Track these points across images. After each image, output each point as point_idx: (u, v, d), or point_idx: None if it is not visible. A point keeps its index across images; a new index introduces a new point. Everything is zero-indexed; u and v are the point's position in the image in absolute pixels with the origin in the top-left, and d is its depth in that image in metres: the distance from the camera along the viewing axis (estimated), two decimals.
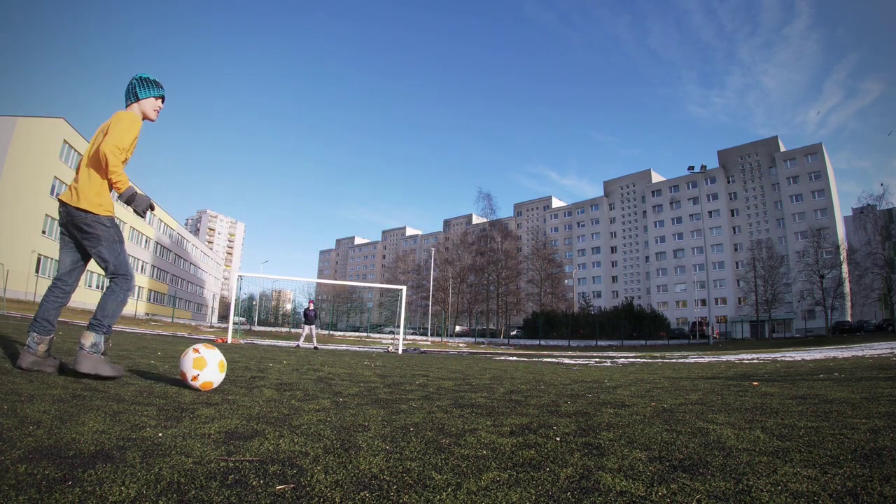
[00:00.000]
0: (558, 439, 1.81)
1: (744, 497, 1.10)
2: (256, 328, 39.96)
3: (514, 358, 12.65)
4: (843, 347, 15.96)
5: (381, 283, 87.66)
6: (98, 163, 2.65)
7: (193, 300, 70.07)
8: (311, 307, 14.90)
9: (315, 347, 13.91)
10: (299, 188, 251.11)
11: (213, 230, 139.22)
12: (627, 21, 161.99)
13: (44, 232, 33.87)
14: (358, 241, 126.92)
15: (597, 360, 11.77)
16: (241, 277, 19.84)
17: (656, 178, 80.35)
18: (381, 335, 41.94)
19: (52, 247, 34.65)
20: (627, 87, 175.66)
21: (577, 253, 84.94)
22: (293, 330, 39.71)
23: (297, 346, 13.88)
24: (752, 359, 10.56)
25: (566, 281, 75.10)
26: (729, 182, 69.72)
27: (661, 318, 52.34)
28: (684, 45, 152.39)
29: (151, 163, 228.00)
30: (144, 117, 2.89)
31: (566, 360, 11.24)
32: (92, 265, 3.02)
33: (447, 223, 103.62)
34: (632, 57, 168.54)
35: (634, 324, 46.43)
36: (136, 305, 43.39)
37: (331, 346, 16.09)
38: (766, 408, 2.60)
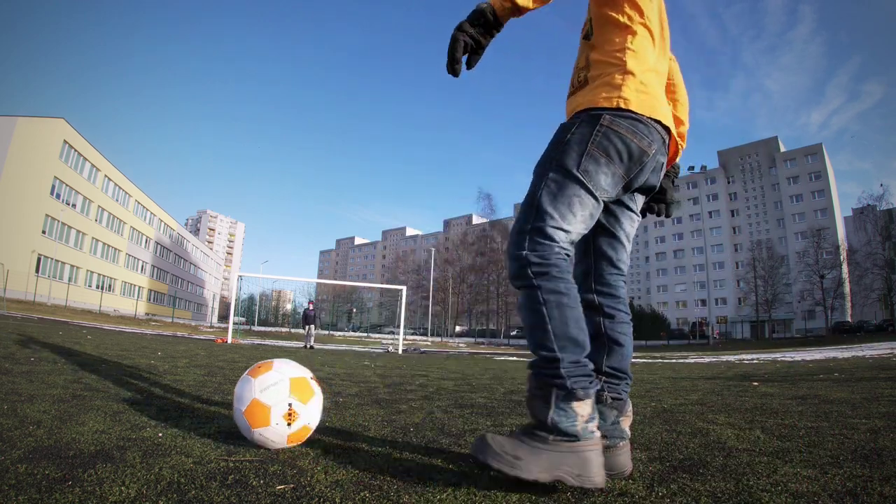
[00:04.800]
0: None
1: (744, 497, 1.10)
2: (256, 328, 39.96)
3: (515, 358, 12.64)
4: (843, 347, 15.95)
5: (381, 283, 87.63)
6: None
7: (193, 300, 70.07)
8: (311, 308, 15.02)
9: (311, 347, 13.95)
10: (300, 188, 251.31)
11: (213, 230, 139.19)
12: None
13: (44, 232, 33.80)
14: (358, 241, 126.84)
15: None
16: (241, 277, 19.87)
17: None
18: (381, 335, 41.93)
19: (52, 247, 34.63)
20: None
21: None
22: (293, 330, 39.72)
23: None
24: (752, 359, 10.56)
25: None
26: (729, 182, 69.71)
27: (661, 319, 52.40)
28: (689, 50, 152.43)
29: (152, 163, 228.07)
30: None
31: None
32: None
33: (447, 223, 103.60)
34: None
35: (634, 324, 46.33)
36: (136, 305, 43.38)
37: (331, 346, 16.09)
38: (766, 408, 2.60)
